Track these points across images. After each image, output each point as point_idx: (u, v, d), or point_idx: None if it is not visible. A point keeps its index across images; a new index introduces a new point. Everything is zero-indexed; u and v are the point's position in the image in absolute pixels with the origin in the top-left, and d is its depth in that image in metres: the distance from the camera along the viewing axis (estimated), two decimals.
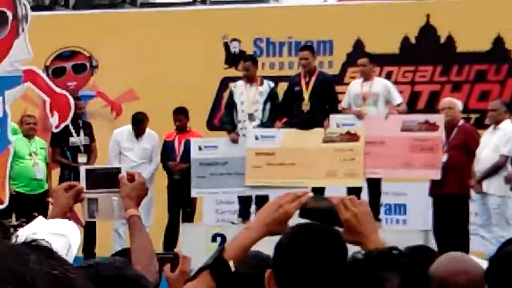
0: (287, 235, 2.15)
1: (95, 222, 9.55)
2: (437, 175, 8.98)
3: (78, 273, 0.83)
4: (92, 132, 10.69)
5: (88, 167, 3.28)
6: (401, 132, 9.25)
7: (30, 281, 0.77)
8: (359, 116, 9.36)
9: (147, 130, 10.44)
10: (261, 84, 9.77)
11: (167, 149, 10.38)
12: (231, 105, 9.83)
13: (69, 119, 11.04)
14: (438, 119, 9.20)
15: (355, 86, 9.64)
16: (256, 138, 9.57)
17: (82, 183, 2.89)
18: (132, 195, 2.82)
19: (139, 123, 10.41)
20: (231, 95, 9.95)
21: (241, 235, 2.26)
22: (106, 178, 2.91)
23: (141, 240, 2.74)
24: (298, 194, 2.27)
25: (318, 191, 8.06)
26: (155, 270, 2.66)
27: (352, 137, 9.30)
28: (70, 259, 2.03)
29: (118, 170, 2.94)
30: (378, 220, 9.21)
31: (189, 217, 10.26)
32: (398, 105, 9.53)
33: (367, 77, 9.52)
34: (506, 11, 11.33)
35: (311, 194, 2.29)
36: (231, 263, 2.19)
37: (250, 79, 9.77)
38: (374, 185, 9.36)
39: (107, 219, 3.20)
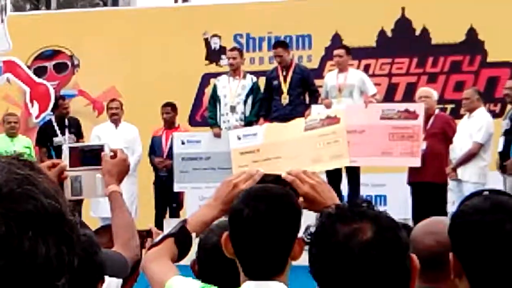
0: (239, 197, 2.24)
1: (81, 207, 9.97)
2: (417, 162, 9.23)
3: (44, 178, 0.87)
4: (80, 129, 10.87)
5: (71, 144, 3.33)
6: (380, 120, 9.47)
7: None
8: (327, 106, 9.67)
9: (123, 122, 10.60)
10: (244, 77, 10.08)
11: (154, 145, 10.58)
12: (215, 99, 10.11)
13: (49, 108, 11.34)
14: (418, 107, 9.41)
15: (330, 78, 9.90)
16: (239, 138, 9.76)
17: (65, 160, 2.89)
18: (113, 172, 2.85)
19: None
20: (214, 89, 10.21)
21: (201, 212, 2.44)
22: (89, 155, 2.93)
23: (122, 215, 2.81)
24: (251, 172, 2.43)
25: None
26: (136, 245, 2.77)
27: (332, 120, 9.49)
28: None
29: (101, 147, 2.95)
30: None
31: (175, 213, 10.49)
32: (373, 95, 9.80)
33: (342, 68, 9.78)
34: (477, 3, 11.90)
35: (262, 171, 2.45)
36: (193, 235, 2.40)
37: (235, 70, 10.03)
38: (353, 175, 9.61)
39: (90, 197, 3.21)
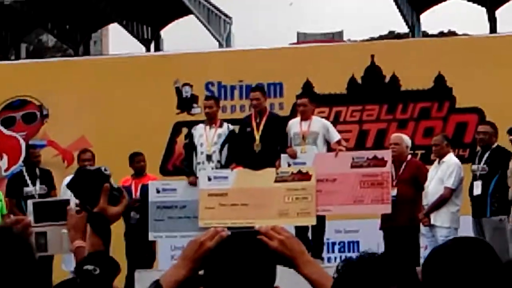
0: (213, 254, 2.32)
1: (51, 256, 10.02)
2: (387, 209, 9.52)
3: None
4: (51, 180, 10.90)
5: (36, 200, 3.29)
6: (351, 169, 9.72)
7: None
8: (292, 156, 9.90)
9: None
10: (221, 126, 10.25)
11: None
12: (191, 148, 10.26)
13: (20, 162, 11.45)
14: (386, 154, 9.77)
15: (294, 126, 10.11)
16: (209, 179, 9.96)
17: (30, 216, 2.92)
18: (77, 227, 2.87)
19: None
20: (191, 137, 10.35)
21: (171, 272, 2.45)
22: (55, 211, 2.95)
23: None
24: (217, 230, 2.43)
25: None
26: None
27: (304, 176, 9.73)
28: None
29: (66, 202, 2.98)
30: (321, 258, 9.70)
31: (148, 263, 10.52)
32: (338, 142, 10.04)
33: (306, 117, 10.05)
34: (445, 51, 12.45)
35: (228, 232, 2.45)
36: None
37: (211, 118, 10.20)
38: (318, 222, 9.74)
39: (56, 252, 3.16)
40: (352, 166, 9.77)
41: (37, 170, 10.95)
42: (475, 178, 9.67)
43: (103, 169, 2.78)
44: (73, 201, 2.95)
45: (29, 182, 10.79)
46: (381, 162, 9.70)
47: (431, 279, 2.26)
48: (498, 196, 9.46)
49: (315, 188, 9.68)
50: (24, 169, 11.07)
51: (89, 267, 2.60)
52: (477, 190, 9.54)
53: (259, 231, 2.39)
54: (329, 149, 10.08)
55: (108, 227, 2.79)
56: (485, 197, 9.51)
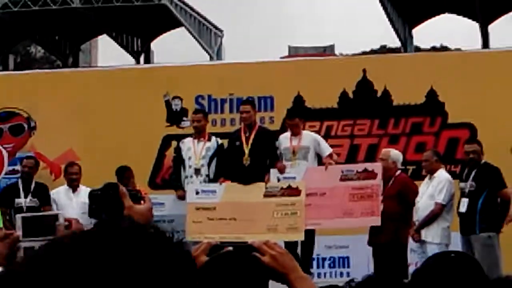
0: (205, 266, 2.35)
1: None
2: (377, 221, 9.53)
3: None
4: (45, 195, 10.77)
5: (24, 214, 3.26)
6: (340, 182, 9.79)
7: None
8: (281, 170, 9.98)
9: (82, 186, 10.61)
10: (209, 139, 10.32)
11: None
12: (179, 161, 10.32)
13: (3, 172, 11.39)
14: (376, 167, 9.84)
15: (284, 141, 10.22)
16: (197, 192, 10.00)
17: (19, 231, 2.92)
18: None
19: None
20: (179, 151, 10.41)
21: None
22: (43, 226, 2.95)
23: None
24: (211, 243, 2.46)
25: None
26: None
27: (293, 191, 9.79)
28: None
29: (55, 217, 3.01)
30: (310, 273, 9.71)
31: None
32: (330, 155, 10.12)
33: (297, 132, 10.18)
34: (437, 66, 12.52)
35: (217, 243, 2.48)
36: None
37: (200, 132, 10.27)
38: (307, 237, 9.78)
39: None
40: (342, 180, 9.82)
41: (33, 184, 10.86)
42: (463, 195, 9.71)
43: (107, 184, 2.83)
44: (62, 215, 3.01)
45: (22, 194, 10.74)
46: (371, 175, 9.76)
47: None
48: (487, 213, 9.51)
49: (304, 203, 9.71)
50: (20, 180, 10.99)
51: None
52: (463, 207, 9.58)
53: (252, 245, 2.39)
54: (320, 163, 10.12)
55: None
56: (473, 214, 9.54)
